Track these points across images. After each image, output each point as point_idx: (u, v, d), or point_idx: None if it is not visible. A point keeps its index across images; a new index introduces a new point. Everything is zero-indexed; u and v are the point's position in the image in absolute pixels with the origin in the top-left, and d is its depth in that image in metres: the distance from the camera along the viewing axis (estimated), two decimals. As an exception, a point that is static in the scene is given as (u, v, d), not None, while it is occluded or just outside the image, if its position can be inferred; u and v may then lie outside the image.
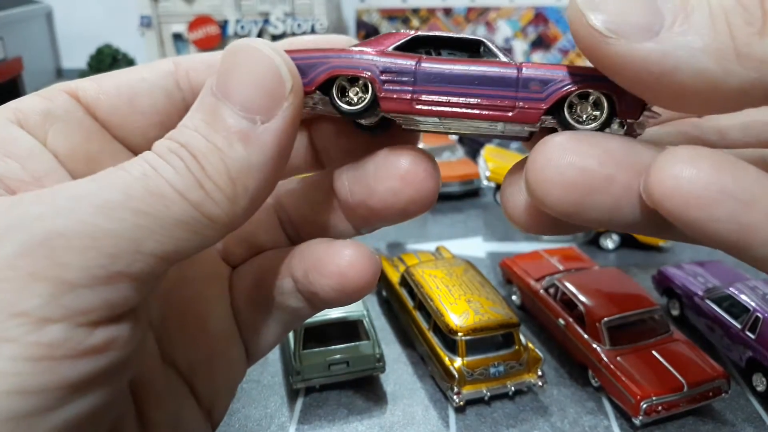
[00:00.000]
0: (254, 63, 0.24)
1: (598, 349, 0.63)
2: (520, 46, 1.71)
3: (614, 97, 0.24)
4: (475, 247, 0.93)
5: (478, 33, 1.72)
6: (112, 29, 1.77)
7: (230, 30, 1.67)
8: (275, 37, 1.61)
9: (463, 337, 0.61)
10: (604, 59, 0.21)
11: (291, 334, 0.64)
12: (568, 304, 0.69)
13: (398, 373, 0.68)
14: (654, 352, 0.63)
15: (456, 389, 0.61)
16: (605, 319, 0.64)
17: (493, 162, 1.11)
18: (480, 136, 0.27)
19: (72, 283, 0.20)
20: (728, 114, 0.28)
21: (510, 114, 0.25)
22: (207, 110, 0.24)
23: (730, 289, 0.69)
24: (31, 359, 0.20)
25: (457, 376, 0.61)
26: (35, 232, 0.21)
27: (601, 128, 0.24)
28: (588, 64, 0.24)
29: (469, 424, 0.61)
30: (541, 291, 0.73)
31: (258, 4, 1.66)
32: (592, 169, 0.22)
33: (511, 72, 0.25)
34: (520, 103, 0.25)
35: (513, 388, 0.63)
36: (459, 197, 1.10)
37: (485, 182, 1.10)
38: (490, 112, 0.25)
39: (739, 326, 0.66)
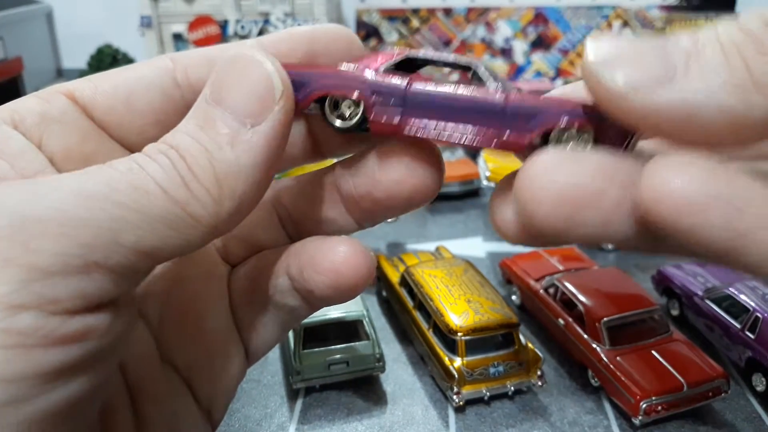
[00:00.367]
0: (246, 69, 0.25)
1: (598, 349, 0.63)
2: (520, 46, 1.71)
3: (598, 133, 0.24)
4: (475, 247, 0.93)
5: (478, 33, 1.72)
6: (112, 29, 1.77)
7: (230, 30, 1.67)
8: (275, 37, 1.61)
9: (463, 337, 0.62)
10: (625, 114, 0.21)
11: (291, 334, 0.64)
12: (568, 304, 0.69)
13: (398, 373, 0.68)
14: (654, 352, 0.63)
15: (456, 389, 0.61)
16: (605, 319, 0.64)
17: (493, 162, 1.11)
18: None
19: (44, 270, 0.20)
20: None
21: (496, 141, 0.25)
22: (199, 115, 0.25)
23: (730, 289, 0.69)
24: (2, 347, 0.19)
25: (456, 376, 0.61)
26: (10, 217, 0.20)
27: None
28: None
29: (468, 424, 0.61)
30: (541, 291, 0.73)
31: (258, 4, 1.66)
32: (581, 183, 0.22)
33: (499, 103, 0.25)
34: (507, 132, 0.25)
35: (513, 388, 0.63)
36: (459, 197, 1.10)
37: (485, 182, 1.10)
38: (478, 138, 0.25)
39: (738, 326, 0.66)
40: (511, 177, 0.25)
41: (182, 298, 0.31)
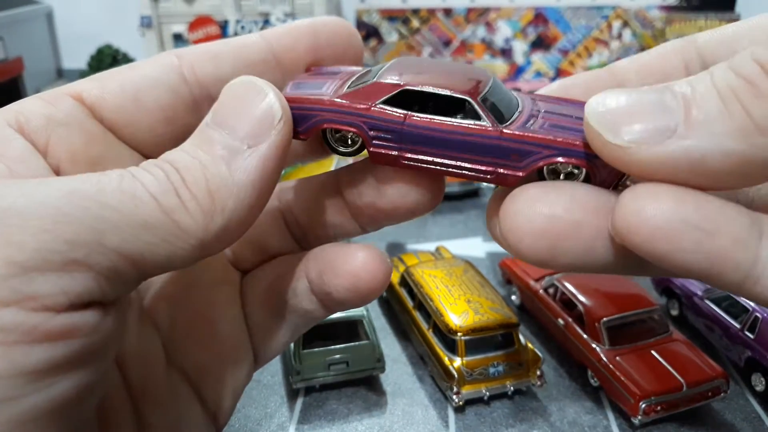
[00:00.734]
0: (247, 95, 0.25)
1: (598, 349, 0.63)
2: (520, 47, 1.71)
3: (590, 172, 0.25)
4: (475, 247, 0.93)
5: (478, 33, 1.72)
6: (112, 29, 1.77)
7: (230, 30, 1.67)
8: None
9: (463, 337, 0.62)
10: (631, 169, 0.22)
11: (291, 334, 0.64)
12: (568, 304, 0.69)
13: (398, 373, 0.68)
14: (653, 352, 0.63)
15: (455, 389, 0.61)
16: (604, 319, 0.64)
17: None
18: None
19: (22, 265, 0.20)
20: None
21: (489, 177, 0.26)
22: (198, 136, 0.25)
23: (730, 289, 0.69)
24: None
25: (456, 375, 0.61)
26: None
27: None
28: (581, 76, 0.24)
29: (468, 424, 0.61)
30: (541, 291, 0.73)
31: (258, 5, 1.66)
32: (559, 216, 0.23)
33: (492, 141, 0.25)
34: (500, 170, 0.26)
35: (512, 388, 0.63)
36: (459, 197, 1.10)
37: (485, 182, 1.10)
38: (472, 174, 0.26)
39: (738, 326, 0.66)
40: (499, 196, 0.26)
41: (193, 303, 0.32)
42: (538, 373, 0.63)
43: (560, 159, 0.25)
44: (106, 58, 1.67)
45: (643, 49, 1.40)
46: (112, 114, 0.27)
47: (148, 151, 0.28)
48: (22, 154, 0.24)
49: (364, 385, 0.66)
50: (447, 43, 1.73)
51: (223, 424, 0.32)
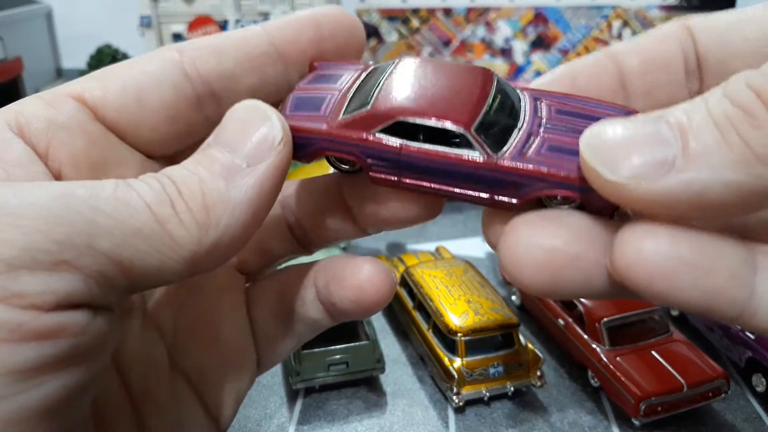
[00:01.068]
0: (250, 116, 0.26)
1: (598, 349, 0.63)
2: (519, 46, 1.71)
3: (586, 204, 0.25)
4: (475, 247, 0.93)
5: (478, 33, 1.71)
6: (112, 29, 1.77)
7: (230, 30, 1.67)
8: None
9: (463, 338, 0.61)
10: (631, 204, 0.22)
11: (291, 335, 0.64)
12: (568, 304, 0.69)
13: (398, 373, 0.68)
14: (653, 353, 0.63)
15: (455, 389, 0.61)
16: (605, 319, 0.64)
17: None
18: None
19: (10, 263, 0.19)
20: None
21: (487, 202, 0.27)
22: (200, 153, 0.25)
23: (730, 289, 0.69)
24: None
25: (456, 376, 0.61)
26: None
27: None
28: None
29: (468, 425, 0.61)
30: (541, 291, 0.73)
31: (258, 4, 1.66)
32: (559, 249, 0.23)
33: (487, 172, 0.25)
34: (497, 197, 0.26)
35: (512, 389, 0.63)
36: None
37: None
38: (470, 199, 0.27)
39: (738, 326, 0.66)
40: (492, 214, 0.27)
41: (198, 307, 0.32)
42: (539, 373, 0.63)
43: (556, 192, 0.25)
44: (106, 58, 1.67)
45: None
46: (115, 115, 0.27)
47: (152, 150, 0.28)
48: (20, 158, 0.24)
49: (364, 385, 0.66)
50: (447, 43, 1.73)
51: (225, 428, 0.32)
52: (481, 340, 0.62)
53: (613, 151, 0.21)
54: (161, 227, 0.22)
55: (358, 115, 0.27)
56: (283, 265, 0.35)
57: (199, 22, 1.68)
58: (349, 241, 0.90)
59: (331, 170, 0.30)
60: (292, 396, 0.65)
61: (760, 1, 0.28)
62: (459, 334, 0.61)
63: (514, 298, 0.80)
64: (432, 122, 0.26)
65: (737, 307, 0.21)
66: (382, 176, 0.27)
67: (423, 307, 0.67)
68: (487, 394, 0.62)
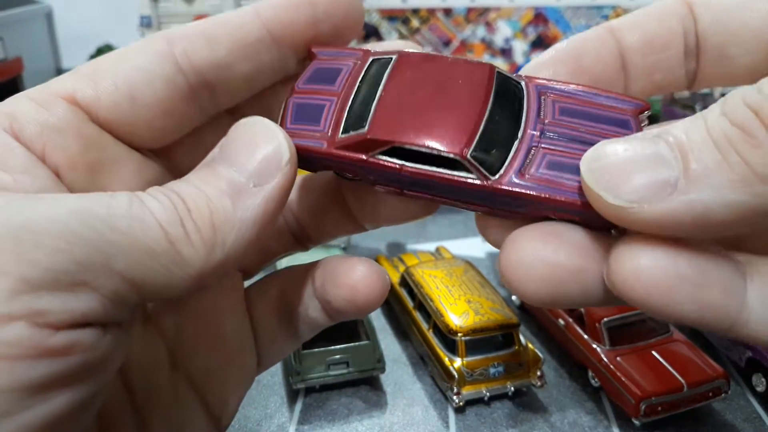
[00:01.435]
0: (257, 134, 0.26)
1: (598, 349, 0.63)
2: (520, 46, 1.71)
3: (584, 224, 0.25)
4: (475, 247, 0.93)
5: (478, 33, 1.71)
6: (112, 29, 1.76)
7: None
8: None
9: (463, 338, 0.61)
10: (634, 226, 0.22)
11: (291, 335, 0.64)
12: (568, 304, 0.69)
13: (398, 373, 0.68)
14: (654, 353, 0.63)
15: (456, 389, 0.61)
16: (605, 319, 0.64)
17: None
18: None
19: (33, 283, 0.20)
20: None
21: (487, 213, 0.28)
22: (205, 169, 0.25)
23: (730, 289, 0.69)
24: None
25: (456, 376, 0.61)
26: (9, 223, 0.20)
27: None
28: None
29: (468, 425, 0.61)
30: (541, 291, 0.73)
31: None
32: (561, 263, 0.23)
33: (484, 192, 0.26)
34: (497, 210, 0.27)
35: (513, 389, 0.63)
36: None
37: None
38: (472, 209, 0.28)
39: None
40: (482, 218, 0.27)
41: (199, 307, 0.32)
42: (539, 373, 0.63)
43: (554, 215, 0.25)
44: (106, 58, 1.67)
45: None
46: (108, 114, 0.26)
47: (147, 145, 0.28)
48: (25, 165, 0.24)
49: (364, 385, 0.66)
50: (447, 43, 1.73)
51: (225, 427, 0.33)
52: (481, 340, 0.62)
53: (614, 174, 0.21)
54: (172, 247, 0.23)
55: (357, 136, 0.26)
56: (282, 264, 0.35)
57: (199, 22, 1.68)
58: (349, 242, 0.90)
59: None
60: (292, 396, 0.64)
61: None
62: (459, 334, 0.61)
63: (514, 298, 0.80)
64: (427, 150, 0.26)
65: (730, 319, 0.22)
66: (385, 189, 0.28)
67: (423, 307, 0.67)
68: (488, 394, 0.62)
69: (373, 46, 0.32)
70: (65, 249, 0.20)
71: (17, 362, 0.19)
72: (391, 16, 1.77)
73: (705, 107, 0.21)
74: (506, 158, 0.25)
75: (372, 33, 1.77)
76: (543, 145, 0.26)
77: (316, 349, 0.63)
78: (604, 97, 0.27)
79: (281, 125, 0.28)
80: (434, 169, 0.26)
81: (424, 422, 0.61)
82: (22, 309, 0.20)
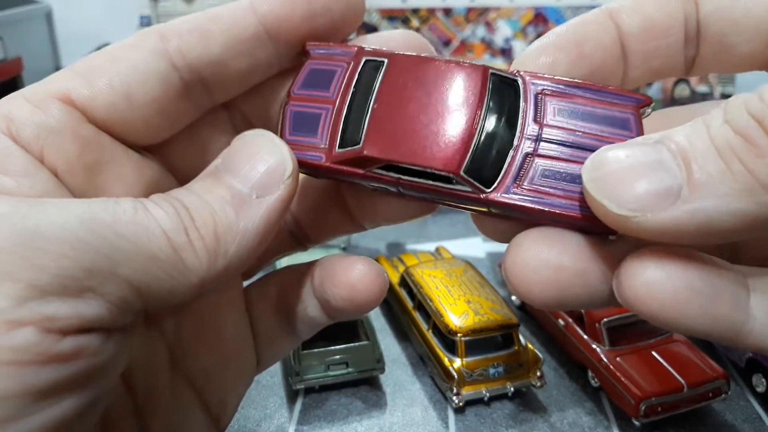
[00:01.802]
0: (261, 146, 0.26)
1: (598, 349, 0.63)
2: (520, 46, 1.71)
3: (584, 231, 0.25)
4: (475, 247, 0.93)
5: (478, 33, 1.71)
6: (111, 29, 1.76)
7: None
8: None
9: (463, 338, 0.61)
10: (638, 235, 0.22)
11: (290, 335, 0.64)
12: (568, 304, 0.69)
13: (398, 373, 0.68)
14: (654, 353, 0.63)
15: (455, 390, 0.61)
16: (605, 319, 0.64)
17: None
18: None
19: (42, 288, 0.20)
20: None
21: (485, 215, 0.28)
22: (208, 178, 0.26)
23: (730, 289, 0.69)
24: None
25: (456, 376, 0.61)
26: (17, 229, 0.20)
27: None
28: None
29: (468, 425, 0.61)
30: (541, 291, 0.73)
31: (258, 4, 1.66)
32: (566, 266, 0.24)
33: (480, 201, 0.26)
34: (494, 216, 0.27)
35: (512, 389, 0.63)
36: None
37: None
38: (471, 211, 0.28)
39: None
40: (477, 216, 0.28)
41: (199, 307, 0.32)
42: (539, 373, 0.63)
43: (552, 225, 0.25)
44: (106, 58, 1.67)
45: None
46: (104, 114, 0.26)
47: (143, 143, 0.28)
48: (26, 168, 0.24)
49: (364, 385, 0.66)
50: (447, 43, 1.73)
51: (225, 426, 0.33)
52: (481, 341, 0.62)
53: (616, 183, 0.21)
54: (176, 254, 0.23)
55: (353, 152, 0.27)
56: (281, 264, 0.35)
57: (199, 22, 1.67)
58: (349, 242, 0.90)
59: None
60: (291, 396, 0.64)
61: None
62: (459, 335, 0.61)
63: (514, 298, 0.79)
64: (420, 168, 0.26)
65: (736, 329, 0.22)
66: (386, 195, 0.28)
67: (423, 307, 0.67)
68: (487, 394, 0.62)
69: (370, 37, 0.32)
70: (72, 255, 0.20)
71: (26, 367, 0.20)
72: (391, 15, 1.77)
73: None
74: (501, 168, 0.25)
75: (372, 33, 1.77)
76: (539, 152, 0.25)
77: (316, 350, 0.63)
78: (604, 94, 0.26)
79: (281, 135, 0.28)
80: (430, 182, 0.26)
81: (424, 422, 0.61)
82: (32, 315, 0.20)
